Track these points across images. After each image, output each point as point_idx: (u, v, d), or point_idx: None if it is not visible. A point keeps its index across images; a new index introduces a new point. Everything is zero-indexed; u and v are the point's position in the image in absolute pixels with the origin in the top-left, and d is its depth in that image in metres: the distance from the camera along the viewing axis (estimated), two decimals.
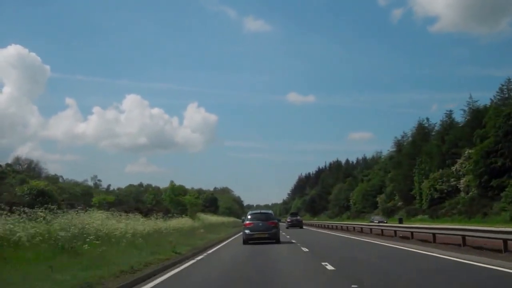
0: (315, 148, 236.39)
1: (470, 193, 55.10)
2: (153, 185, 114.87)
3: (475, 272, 11.17)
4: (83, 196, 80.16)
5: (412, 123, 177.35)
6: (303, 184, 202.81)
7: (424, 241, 21.16)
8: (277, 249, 20.09)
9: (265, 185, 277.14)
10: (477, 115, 61.80)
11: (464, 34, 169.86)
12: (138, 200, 68.27)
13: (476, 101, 67.36)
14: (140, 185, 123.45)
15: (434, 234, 20.64)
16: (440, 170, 64.41)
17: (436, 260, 13.87)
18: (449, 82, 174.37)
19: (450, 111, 73.92)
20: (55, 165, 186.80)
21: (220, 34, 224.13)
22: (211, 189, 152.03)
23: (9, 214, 13.17)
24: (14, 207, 14.28)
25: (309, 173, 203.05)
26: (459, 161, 61.44)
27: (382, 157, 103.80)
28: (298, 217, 60.30)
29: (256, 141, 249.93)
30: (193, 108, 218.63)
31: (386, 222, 41.30)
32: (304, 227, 57.54)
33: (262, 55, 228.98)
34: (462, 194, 57.31)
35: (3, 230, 11.49)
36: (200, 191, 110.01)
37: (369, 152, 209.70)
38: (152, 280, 10.68)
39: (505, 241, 14.86)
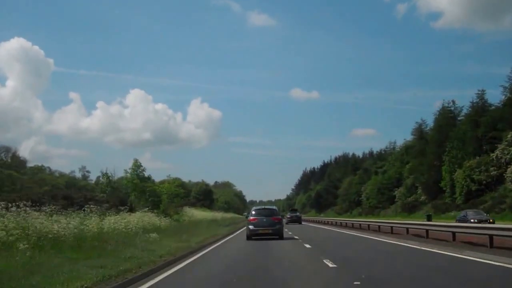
0: (318, 144, 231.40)
1: None
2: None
3: None
4: (67, 189, 71.21)
5: (414, 120, 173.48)
6: (308, 179, 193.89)
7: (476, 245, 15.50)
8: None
9: (269, 181, 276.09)
10: None
11: (468, 30, 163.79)
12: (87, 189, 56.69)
13: None
14: None
15: (490, 236, 14.92)
16: (477, 157, 53.41)
17: None
18: (453, 79, 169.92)
19: (482, 90, 62.27)
20: (61, 160, 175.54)
21: (225, 29, 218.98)
22: (212, 183, 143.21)
23: None
24: None
25: (313, 168, 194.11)
26: (500, 146, 50.50)
27: (398, 147, 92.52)
28: (298, 213, 63.77)
29: (259, 137, 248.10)
30: (197, 103, 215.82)
31: (492, 221, 27.06)
32: (310, 224, 56.99)
33: (266, 50, 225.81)
34: (510, 185, 46.26)
35: None
36: (193, 185, 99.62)
37: (375, 148, 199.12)
38: None
39: None
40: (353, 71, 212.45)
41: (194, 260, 13.83)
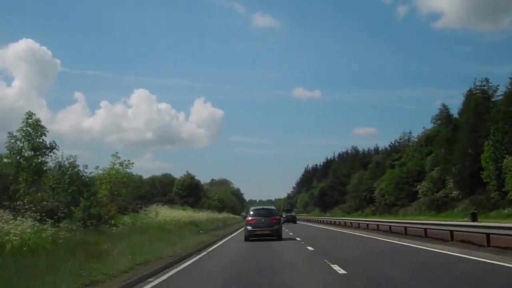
0: (319, 143, 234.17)
1: None
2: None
3: None
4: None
5: (415, 118, 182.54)
6: (310, 176, 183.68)
7: None
8: None
9: (269, 180, 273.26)
10: None
11: (468, 30, 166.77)
12: None
13: None
14: None
15: None
16: None
17: None
18: (452, 78, 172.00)
19: None
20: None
21: (229, 30, 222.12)
22: (208, 181, 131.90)
23: None
24: None
25: (316, 165, 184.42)
26: None
27: (414, 138, 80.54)
28: (292, 213, 66.11)
29: (261, 136, 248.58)
30: (200, 103, 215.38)
31: None
32: (313, 225, 54.20)
33: (269, 50, 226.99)
34: None
35: None
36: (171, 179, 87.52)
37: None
38: None
39: None
40: (355, 70, 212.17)
41: None
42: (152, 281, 9.75)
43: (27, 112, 16.04)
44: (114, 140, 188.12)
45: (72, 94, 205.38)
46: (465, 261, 11.95)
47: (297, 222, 61.30)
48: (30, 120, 16.02)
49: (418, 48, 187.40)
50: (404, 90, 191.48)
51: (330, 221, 54.91)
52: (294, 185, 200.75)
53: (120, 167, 23.89)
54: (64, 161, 18.56)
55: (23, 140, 15.71)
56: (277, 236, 22.00)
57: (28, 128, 15.91)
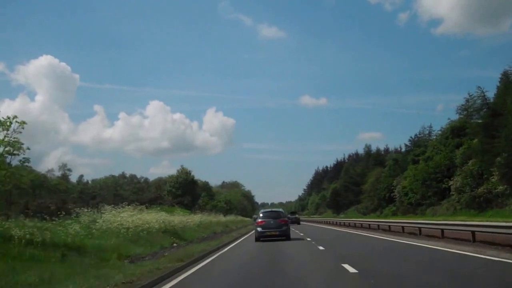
0: (327, 148, 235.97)
1: None
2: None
3: None
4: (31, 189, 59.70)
5: (418, 123, 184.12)
6: (321, 178, 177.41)
7: None
8: None
9: (279, 184, 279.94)
10: None
11: (468, 35, 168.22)
12: None
13: None
14: (122, 175, 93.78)
15: None
16: None
17: None
18: (454, 83, 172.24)
19: None
20: (85, 168, 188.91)
21: (237, 41, 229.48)
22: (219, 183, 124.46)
23: None
24: None
25: (326, 167, 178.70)
26: None
27: (441, 129, 71.76)
28: (296, 215, 68.31)
29: (271, 142, 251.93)
30: (212, 112, 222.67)
31: None
32: (328, 227, 51.49)
33: (276, 60, 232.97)
34: None
35: None
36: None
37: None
38: None
39: None
40: (358, 77, 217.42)
41: None
42: None
43: None
44: (132, 149, 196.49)
45: (91, 107, 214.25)
46: None
47: (310, 224, 61.04)
48: None
49: (419, 54, 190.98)
50: (407, 95, 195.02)
51: (344, 222, 50.63)
52: (305, 188, 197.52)
53: None
54: None
55: None
56: (286, 236, 22.62)
57: None
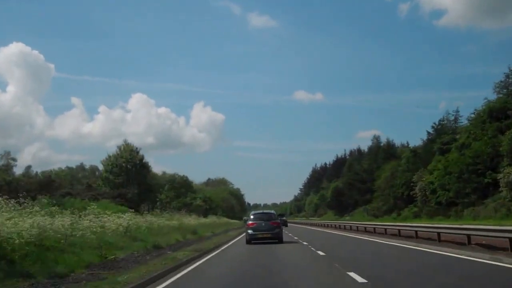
0: (322, 147, 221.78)
1: None
2: None
3: None
4: None
5: (418, 121, 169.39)
6: (319, 176, 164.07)
7: None
8: None
9: (273, 184, 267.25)
10: None
11: (473, 28, 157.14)
12: None
13: None
14: (81, 166, 79.41)
15: None
16: None
17: None
18: (456, 80, 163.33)
19: None
20: (64, 165, 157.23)
21: (226, 31, 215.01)
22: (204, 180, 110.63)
23: None
24: None
25: (325, 164, 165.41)
26: None
27: (475, 112, 57.38)
28: (284, 218, 62.74)
29: (263, 140, 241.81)
30: (200, 107, 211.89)
31: None
32: (330, 231, 43.03)
33: (268, 52, 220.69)
34: None
35: None
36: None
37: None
38: None
39: None
40: (356, 72, 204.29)
41: None
42: None
43: None
44: (115, 145, 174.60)
45: (68, 100, 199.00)
46: None
47: (308, 228, 58.07)
48: None
49: (421, 48, 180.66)
50: (406, 92, 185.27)
51: (351, 226, 42.27)
52: (301, 187, 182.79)
53: None
54: None
55: None
56: (278, 239, 22.00)
57: None
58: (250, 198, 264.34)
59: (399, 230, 25.22)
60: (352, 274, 9.64)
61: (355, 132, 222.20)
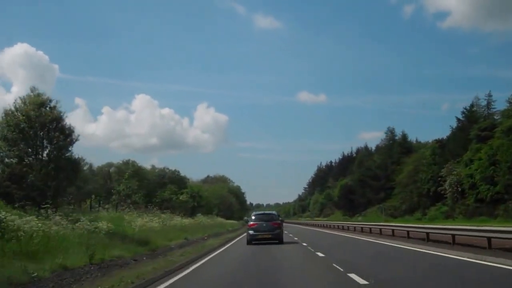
0: (325, 147, 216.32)
1: None
2: None
3: None
4: None
5: (421, 122, 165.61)
6: (324, 175, 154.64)
7: None
8: None
9: (276, 184, 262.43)
10: None
11: (476, 30, 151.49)
12: None
13: None
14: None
15: None
16: None
17: None
18: (459, 81, 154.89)
19: None
20: None
21: (230, 32, 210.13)
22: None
23: None
24: None
25: (331, 162, 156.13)
26: None
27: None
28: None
29: (266, 141, 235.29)
30: (203, 108, 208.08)
31: None
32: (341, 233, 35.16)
33: (272, 53, 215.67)
34: None
35: None
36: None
37: None
38: None
39: None
40: (360, 73, 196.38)
41: None
42: None
43: None
44: (119, 146, 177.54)
45: (72, 100, 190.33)
46: None
47: (312, 229, 50.09)
48: None
49: (424, 49, 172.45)
50: (410, 94, 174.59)
51: (362, 227, 32.87)
52: (306, 186, 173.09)
53: None
54: None
55: None
56: (278, 239, 21.50)
57: None
58: (253, 198, 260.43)
59: (427, 233, 18.50)
60: None
61: (358, 132, 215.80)
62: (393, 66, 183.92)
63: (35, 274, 8.17)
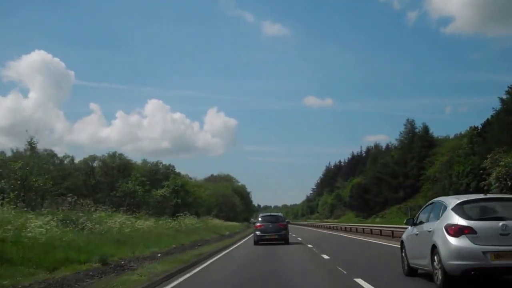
0: (332, 151, 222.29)
1: None
2: None
3: None
4: None
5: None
6: (333, 175, 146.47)
7: None
8: None
9: (284, 187, 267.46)
10: None
11: (480, 35, 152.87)
12: None
13: None
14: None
15: None
16: None
17: None
18: (462, 86, 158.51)
19: None
20: None
21: (239, 39, 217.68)
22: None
23: None
24: None
25: (340, 161, 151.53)
26: None
27: None
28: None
29: (274, 144, 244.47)
30: (213, 113, 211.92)
31: None
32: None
33: (280, 59, 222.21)
34: None
35: None
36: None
37: None
38: None
39: None
40: (365, 78, 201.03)
41: None
42: None
43: None
44: (131, 150, 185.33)
45: (87, 105, 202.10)
46: None
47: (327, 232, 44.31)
48: None
49: (428, 55, 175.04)
50: (413, 98, 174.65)
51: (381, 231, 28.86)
52: (314, 187, 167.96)
53: None
54: None
55: None
56: (284, 240, 22.17)
57: None
58: (261, 200, 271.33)
59: None
60: None
61: (363, 136, 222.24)
62: (397, 71, 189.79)
63: None
